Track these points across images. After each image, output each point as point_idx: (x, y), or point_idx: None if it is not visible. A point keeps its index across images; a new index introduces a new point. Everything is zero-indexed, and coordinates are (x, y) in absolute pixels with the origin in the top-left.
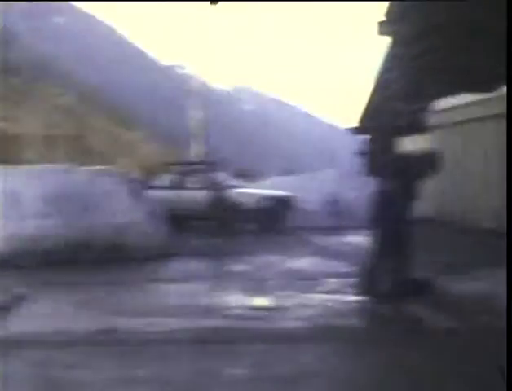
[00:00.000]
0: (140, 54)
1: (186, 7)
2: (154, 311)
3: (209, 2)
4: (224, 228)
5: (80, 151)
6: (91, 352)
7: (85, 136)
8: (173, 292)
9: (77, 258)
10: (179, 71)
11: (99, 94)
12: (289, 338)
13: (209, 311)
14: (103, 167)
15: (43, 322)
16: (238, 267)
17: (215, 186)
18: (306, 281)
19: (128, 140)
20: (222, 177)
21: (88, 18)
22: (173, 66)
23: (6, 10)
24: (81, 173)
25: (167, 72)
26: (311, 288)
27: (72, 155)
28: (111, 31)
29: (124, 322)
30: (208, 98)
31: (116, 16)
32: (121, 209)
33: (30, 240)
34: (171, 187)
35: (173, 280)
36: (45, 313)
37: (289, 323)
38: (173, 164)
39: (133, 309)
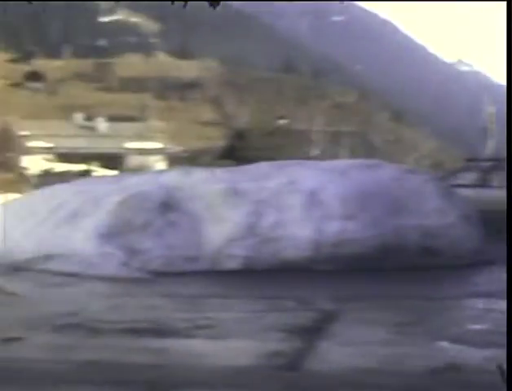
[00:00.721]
0: (424, 53)
1: (469, 5)
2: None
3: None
4: None
5: (362, 147)
6: None
7: (366, 133)
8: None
9: (385, 265)
10: (463, 68)
11: (380, 92)
12: None
13: None
14: (407, 165)
15: (362, 352)
16: None
17: None
18: None
19: (410, 137)
20: None
21: (370, 17)
22: (456, 63)
23: (287, 12)
24: (385, 170)
25: (450, 70)
26: None
27: (354, 151)
28: (394, 29)
29: (459, 355)
30: (495, 94)
31: (402, 15)
32: (431, 210)
33: (332, 245)
34: (472, 186)
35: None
36: (361, 339)
37: None
38: (473, 160)
39: (463, 336)
